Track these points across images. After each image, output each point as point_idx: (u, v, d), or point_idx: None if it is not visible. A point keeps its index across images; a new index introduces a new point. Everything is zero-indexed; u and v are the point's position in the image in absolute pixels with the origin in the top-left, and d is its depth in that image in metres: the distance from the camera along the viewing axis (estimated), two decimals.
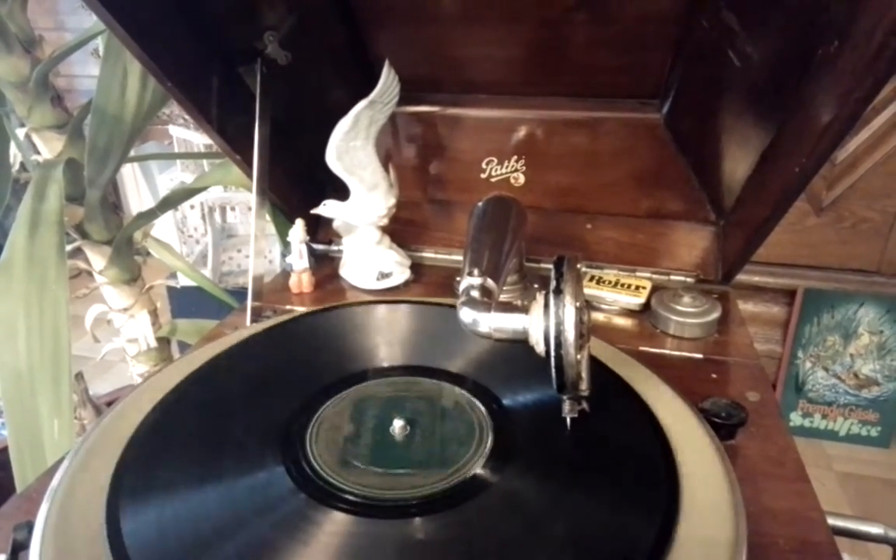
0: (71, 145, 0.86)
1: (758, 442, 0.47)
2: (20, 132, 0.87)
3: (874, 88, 0.43)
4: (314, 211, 0.71)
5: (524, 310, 0.41)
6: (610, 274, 0.71)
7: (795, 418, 1.62)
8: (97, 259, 0.94)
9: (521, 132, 0.75)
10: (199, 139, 1.92)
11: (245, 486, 0.39)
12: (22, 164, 0.94)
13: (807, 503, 0.42)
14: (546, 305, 0.39)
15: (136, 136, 0.84)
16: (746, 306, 1.55)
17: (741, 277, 0.71)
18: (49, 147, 0.87)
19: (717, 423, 0.46)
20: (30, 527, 0.36)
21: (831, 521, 0.41)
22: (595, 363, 0.48)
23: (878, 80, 0.42)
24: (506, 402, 0.47)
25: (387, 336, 0.58)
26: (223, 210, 1.92)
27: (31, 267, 0.69)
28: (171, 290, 1.66)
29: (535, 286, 0.68)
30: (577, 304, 0.38)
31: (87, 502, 0.37)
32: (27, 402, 0.64)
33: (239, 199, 1.89)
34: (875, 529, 0.43)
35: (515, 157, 0.76)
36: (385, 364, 0.53)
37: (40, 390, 0.64)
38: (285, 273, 0.75)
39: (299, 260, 0.71)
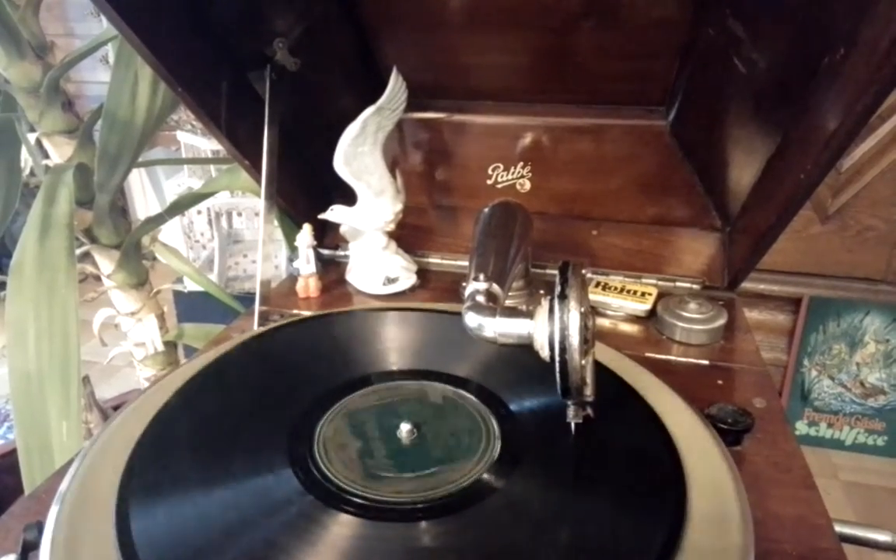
0: (81, 150, 0.87)
1: (764, 448, 0.47)
2: (31, 137, 0.88)
3: (880, 96, 0.43)
4: (321, 216, 0.72)
5: (529, 315, 0.41)
6: (616, 280, 0.71)
7: (801, 427, 1.62)
8: (105, 263, 0.95)
9: (528, 139, 0.75)
10: (207, 145, 1.93)
11: (253, 487, 0.39)
12: (31, 170, 0.95)
13: (814, 509, 0.42)
14: (551, 310, 0.39)
15: (145, 141, 0.85)
16: (752, 314, 1.55)
17: (746, 285, 0.71)
18: (59, 152, 0.88)
19: (723, 429, 0.46)
20: (40, 527, 0.36)
21: (838, 528, 0.41)
22: (601, 369, 0.48)
23: (884, 87, 0.42)
24: (513, 407, 0.47)
25: (394, 341, 0.58)
26: (230, 215, 1.93)
27: (41, 270, 0.69)
28: (176, 294, 1.67)
29: (541, 292, 0.68)
30: (582, 309, 0.38)
31: (96, 503, 0.37)
32: (36, 404, 0.64)
33: (245, 204, 1.89)
34: (883, 537, 0.43)
35: (521, 164, 0.77)
36: (393, 368, 0.53)
37: (49, 392, 0.65)
38: (292, 277, 0.75)
39: (306, 264, 0.72)
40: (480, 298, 0.45)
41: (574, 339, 0.38)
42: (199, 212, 1.98)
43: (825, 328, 1.53)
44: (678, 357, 0.61)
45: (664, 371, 0.51)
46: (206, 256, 1.93)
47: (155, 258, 1.09)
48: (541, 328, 0.40)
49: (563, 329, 0.38)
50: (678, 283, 0.71)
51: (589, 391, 0.41)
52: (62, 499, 0.37)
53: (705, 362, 0.60)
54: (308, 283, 0.72)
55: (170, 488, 0.39)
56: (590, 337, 0.40)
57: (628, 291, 0.68)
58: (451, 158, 0.79)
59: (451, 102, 0.76)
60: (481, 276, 0.46)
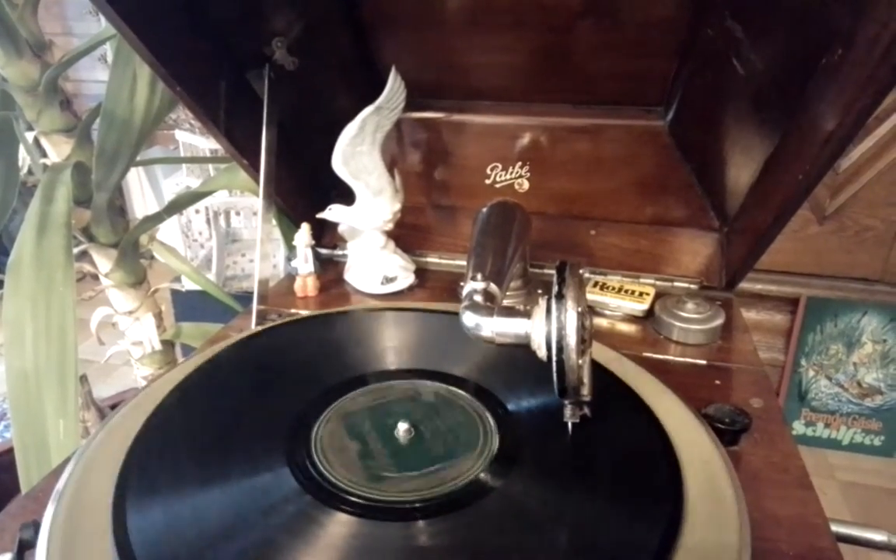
0: (79, 149, 0.87)
1: (761, 448, 0.47)
2: (29, 135, 0.88)
3: (878, 97, 0.43)
4: (320, 215, 0.72)
5: (526, 314, 0.41)
6: (614, 280, 0.71)
7: (798, 427, 1.62)
8: (103, 262, 0.95)
9: (526, 138, 0.75)
10: (205, 144, 1.93)
11: (250, 486, 0.39)
12: (29, 169, 0.95)
13: (810, 509, 0.42)
14: (548, 310, 0.39)
15: (144, 140, 0.85)
16: (749, 314, 1.55)
17: (744, 285, 0.71)
18: (57, 151, 0.88)
19: (720, 428, 0.46)
20: (36, 526, 0.36)
21: (835, 527, 0.41)
22: (599, 369, 0.48)
23: (882, 88, 0.42)
24: (510, 406, 0.47)
25: (392, 340, 0.58)
26: (227, 215, 1.93)
27: (39, 269, 0.69)
28: (174, 293, 1.67)
29: (539, 291, 0.68)
30: (579, 309, 0.38)
31: (93, 502, 0.37)
32: (33, 402, 0.64)
33: (243, 203, 1.89)
34: (879, 537, 0.43)
35: (520, 164, 0.77)
36: (391, 368, 0.53)
37: (46, 391, 0.65)
38: (290, 277, 0.75)
39: (304, 264, 0.72)
40: (478, 298, 0.45)
41: (571, 338, 0.38)
42: (197, 211, 1.98)
43: (822, 328, 1.53)
44: (676, 357, 0.61)
45: (662, 371, 0.51)
46: (204, 255, 1.93)
47: (153, 257, 1.09)
48: (538, 328, 0.40)
49: (560, 329, 0.38)
50: (676, 283, 0.72)
51: (586, 391, 0.41)
52: (59, 497, 0.37)
53: (703, 362, 0.60)
54: (306, 283, 0.72)
55: (166, 487, 0.39)
56: (587, 337, 0.40)
57: (626, 291, 0.69)
58: (449, 158, 0.79)
59: (450, 102, 0.77)
60: (479, 276, 0.46)
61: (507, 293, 0.53)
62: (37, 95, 0.84)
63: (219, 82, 0.65)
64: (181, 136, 2.01)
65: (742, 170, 0.64)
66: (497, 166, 0.77)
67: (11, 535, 0.37)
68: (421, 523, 0.36)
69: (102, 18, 0.53)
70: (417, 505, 0.38)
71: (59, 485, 0.38)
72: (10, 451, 0.64)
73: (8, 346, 0.66)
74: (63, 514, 0.36)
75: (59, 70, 0.83)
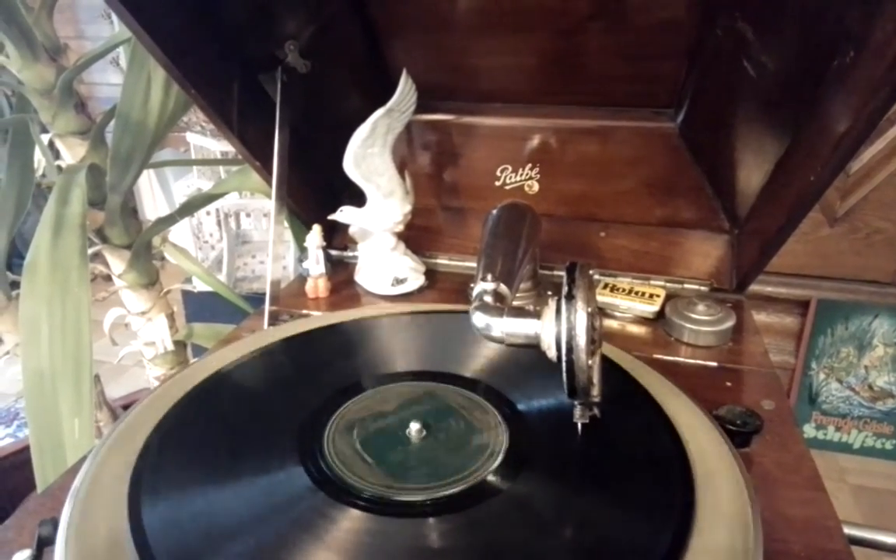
0: (94, 151, 0.88)
1: (773, 450, 0.47)
2: (44, 138, 0.89)
3: (889, 99, 0.43)
4: (331, 217, 0.72)
5: (536, 315, 0.42)
6: (624, 282, 0.71)
7: (809, 430, 1.61)
8: (116, 263, 0.96)
9: (536, 140, 0.76)
10: (216, 146, 1.94)
11: (264, 483, 0.39)
12: (43, 171, 0.96)
13: (822, 511, 0.42)
14: (558, 311, 0.39)
15: (157, 142, 0.86)
16: (759, 317, 1.54)
17: (754, 287, 0.71)
18: (72, 153, 0.89)
19: (732, 430, 0.46)
20: (55, 523, 0.37)
21: (847, 530, 0.41)
22: (611, 369, 0.48)
23: (894, 90, 0.42)
24: (521, 407, 0.47)
25: (404, 342, 0.59)
26: (238, 216, 1.94)
27: (55, 269, 0.70)
28: (185, 294, 1.68)
29: (549, 293, 0.68)
30: (589, 309, 0.38)
31: (110, 499, 0.38)
32: (48, 401, 0.65)
33: (254, 205, 1.90)
34: (891, 540, 0.43)
35: (530, 165, 0.77)
36: (402, 369, 0.53)
37: (61, 390, 0.65)
38: (301, 278, 0.76)
39: (316, 265, 0.72)
40: (488, 299, 0.45)
41: (581, 339, 0.38)
42: (207, 213, 1.99)
43: (833, 331, 1.52)
44: (686, 358, 0.61)
45: (672, 372, 0.51)
46: (215, 257, 1.94)
47: (164, 258, 1.10)
48: (548, 328, 0.40)
49: (570, 329, 0.38)
50: (686, 285, 0.71)
51: (595, 391, 0.41)
52: (76, 495, 0.38)
53: (713, 364, 0.60)
54: (317, 284, 0.73)
55: (181, 484, 0.39)
56: (596, 337, 0.40)
57: (636, 293, 0.69)
58: (459, 160, 0.79)
59: (460, 104, 0.77)
60: (489, 277, 0.46)
61: (517, 294, 0.53)
62: (52, 98, 0.85)
63: (232, 85, 0.66)
64: (192, 138, 2.02)
65: (753, 172, 0.63)
66: (507, 168, 0.78)
67: (30, 531, 0.38)
68: (432, 521, 0.37)
69: (115, 22, 0.54)
70: (428, 503, 0.38)
71: (76, 482, 0.39)
72: (25, 449, 0.65)
73: (24, 345, 0.67)
74: (80, 511, 0.37)
75: (75, 73, 0.84)
